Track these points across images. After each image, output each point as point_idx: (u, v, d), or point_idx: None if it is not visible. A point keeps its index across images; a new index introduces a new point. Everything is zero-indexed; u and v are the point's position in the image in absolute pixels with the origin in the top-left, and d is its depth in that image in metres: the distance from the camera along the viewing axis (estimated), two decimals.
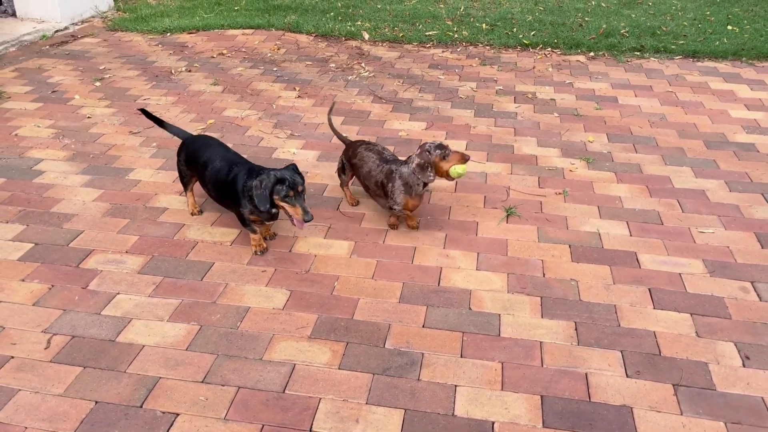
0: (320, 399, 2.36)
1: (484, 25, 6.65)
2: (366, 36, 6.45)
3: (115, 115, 4.70)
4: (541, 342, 2.63)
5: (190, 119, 4.64)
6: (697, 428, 2.25)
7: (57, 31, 6.56)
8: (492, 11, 7.14)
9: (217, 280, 2.99)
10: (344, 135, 3.64)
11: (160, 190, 3.72)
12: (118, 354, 2.55)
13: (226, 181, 3.10)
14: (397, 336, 2.66)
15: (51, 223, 3.39)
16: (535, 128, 4.53)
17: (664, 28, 6.45)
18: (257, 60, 5.85)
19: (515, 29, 6.53)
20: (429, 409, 2.32)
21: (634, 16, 6.85)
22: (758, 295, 2.90)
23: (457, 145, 4.19)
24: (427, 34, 6.45)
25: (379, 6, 7.34)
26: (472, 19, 6.88)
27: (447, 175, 3.11)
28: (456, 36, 6.40)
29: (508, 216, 3.48)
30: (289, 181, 2.90)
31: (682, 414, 2.30)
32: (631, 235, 3.32)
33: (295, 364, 2.51)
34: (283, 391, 2.39)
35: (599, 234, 3.33)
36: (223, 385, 2.42)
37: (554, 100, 5.02)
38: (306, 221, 2.90)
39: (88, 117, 4.67)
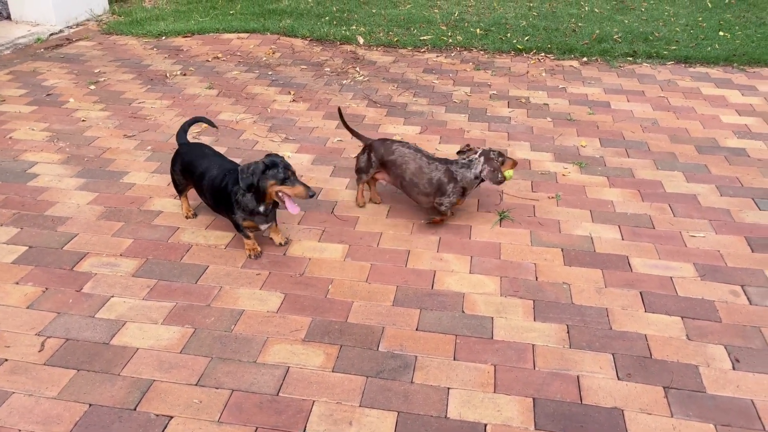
0: (314, 402, 2.37)
1: (478, 30, 6.69)
2: (361, 40, 6.47)
3: (109, 119, 4.70)
4: (533, 345, 2.65)
5: None
6: (688, 430, 2.27)
7: (52, 34, 6.56)
8: (486, 16, 7.18)
9: (211, 283, 3.00)
10: (362, 134, 3.69)
11: (155, 194, 3.73)
12: (112, 357, 2.56)
13: (219, 188, 3.12)
14: (391, 339, 2.67)
15: (45, 226, 3.40)
16: (528, 133, 4.56)
17: (657, 34, 6.50)
18: (252, 64, 5.86)
19: (509, 34, 6.57)
20: (422, 411, 2.34)
21: (626, 21, 6.91)
22: (748, 298, 2.93)
23: (451, 149, 4.21)
24: (421, 38, 6.48)
25: (373, 11, 7.37)
26: (466, 24, 6.92)
27: None
28: (450, 41, 6.43)
29: (501, 220, 3.51)
30: (282, 163, 2.94)
31: (672, 416, 2.33)
32: (623, 239, 3.35)
33: (288, 367, 2.52)
34: (277, 394, 2.40)
35: (591, 238, 3.36)
36: (217, 388, 2.42)
37: (547, 104, 5.05)
38: (311, 196, 2.93)
39: (83, 120, 4.67)
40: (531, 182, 3.89)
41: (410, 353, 2.60)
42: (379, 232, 3.39)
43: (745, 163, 4.14)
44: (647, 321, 2.78)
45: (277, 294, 2.93)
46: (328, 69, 5.77)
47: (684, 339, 2.68)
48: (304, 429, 2.26)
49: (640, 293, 2.95)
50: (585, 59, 6.04)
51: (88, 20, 7.06)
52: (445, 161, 3.37)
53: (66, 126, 4.57)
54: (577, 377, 2.49)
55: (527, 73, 5.72)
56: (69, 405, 2.34)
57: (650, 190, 3.82)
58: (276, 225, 3.24)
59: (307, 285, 2.99)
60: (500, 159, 3.35)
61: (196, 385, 2.44)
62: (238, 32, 6.70)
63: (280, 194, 2.97)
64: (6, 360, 2.53)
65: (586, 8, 7.44)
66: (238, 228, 3.15)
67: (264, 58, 6.00)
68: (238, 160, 3.39)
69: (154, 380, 2.45)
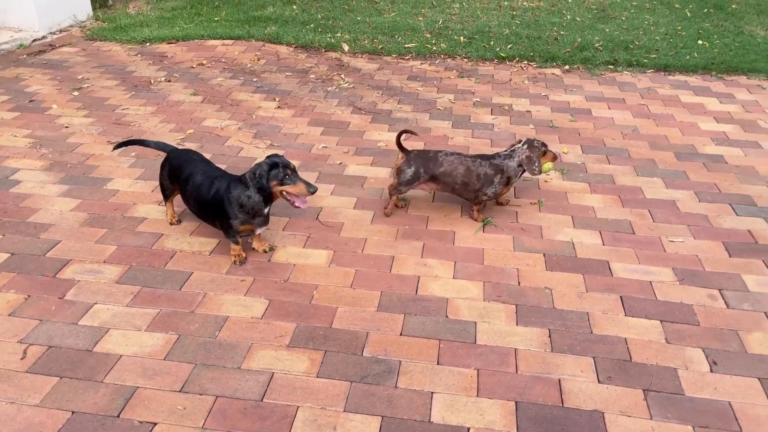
0: (298, 407, 2.38)
1: (462, 38, 6.76)
2: (346, 48, 6.51)
3: (93, 125, 4.68)
4: (515, 349, 2.68)
5: (170, 129, 4.64)
6: None
7: (35, 40, 6.52)
8: (470, 24, 7.26)
9: (195, 289, 3.00)
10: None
11: (139, 200, 3.72)
12: (95, 364, 2.55)
13: (210, 195, 3.11)
14: (375, 344, 2.69)
15: (27, 233, 3.37)
16: (511, 139, 4.61)
17: (637, 43, 6.60)
18: (237, 70, 5.87)
19: (492, 42, 6.65)
20: (406, 416, 2.36)
21: (608, 30, 7.01)
22: (725, 302, 2.98)
23: None
24: (406, 46, 6.53)
25: (358, 18, 7.41)
26: (450, 32, 6.98)
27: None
28: (434, 48, 6.49)
29: (484, 226, 3.54)
30: (283, 162, 2.99)
31: (651, 418, 2.37)
32: (603, 245, 3.40)
33: (273, 373, 2.53)
34: (261, 400, 2.41)
35: (573, 243, 3.41)
36: (201, 395, 2.42)
37: (530, 112, 5.12)
38: (312, 193, 2.98)
39: (66, 127, 4.65)
40: (514, 188, 3.93)
41: (394, 358, 2.62)
42: (363, 238, 3.41)
43: (722, 169, 4.22)
44: (627, 325, 2.83)
45: (261, 300, 2.94)
46: (313, 76, 5.79)
47: (663, 342, 2.73)
48: None
49: (621, 297, 3.00)
50: (567, 67, 6.12)
51: (71, 26, 7.03)
52: (487, 156, 3.52)
53: (49, 132, 4.55)
54: (559, 381, 2.52)
55: (510, 80, 5.79)
56: (52, 412, 2.33)
57: (630, 196, 3.88)
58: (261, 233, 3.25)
59: (291, 291, 3.00)
60: (544, 149, 3.49)
61: (180, 391, 2.44)
62: (223, 39, 6.71)
63: (284, 193, 3.01)
64: None
65: (568, 17, 7.54)
66: (227, 233, 3.15)
67: (249, 65, 6.01)
68: (223, 167, 3.40)
69: (138, 387, 2.45)
